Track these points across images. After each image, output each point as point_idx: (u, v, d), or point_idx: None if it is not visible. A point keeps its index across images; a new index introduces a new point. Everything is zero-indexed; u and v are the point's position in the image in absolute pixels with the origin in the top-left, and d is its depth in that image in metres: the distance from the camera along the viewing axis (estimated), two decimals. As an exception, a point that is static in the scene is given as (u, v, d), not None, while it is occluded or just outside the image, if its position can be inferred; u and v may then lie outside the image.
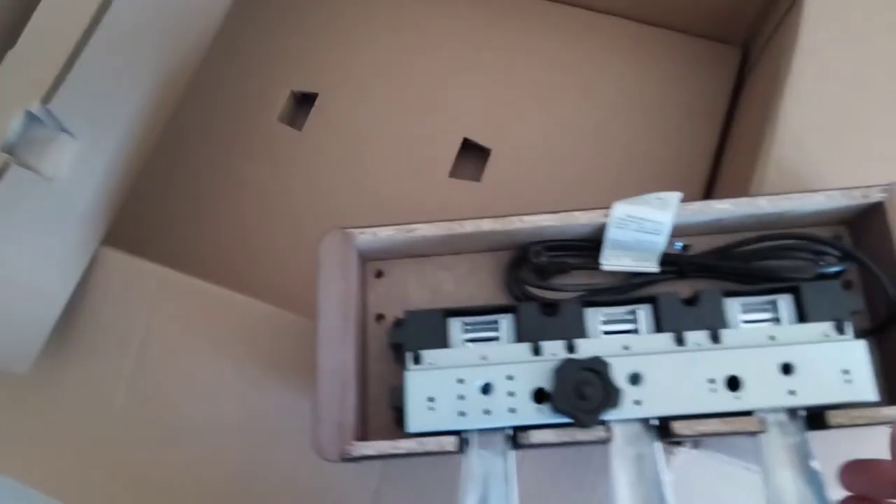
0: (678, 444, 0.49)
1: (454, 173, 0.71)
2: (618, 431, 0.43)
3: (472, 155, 0.72)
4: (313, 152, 0.72)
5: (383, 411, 0.47)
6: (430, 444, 0.42)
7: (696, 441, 0.49)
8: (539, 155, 0.71)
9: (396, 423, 0.45)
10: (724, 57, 0.73)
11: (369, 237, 0.46)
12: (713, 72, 0.73)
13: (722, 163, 0.69)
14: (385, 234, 0.46)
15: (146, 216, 0.70)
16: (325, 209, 0.70)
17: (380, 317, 0.50)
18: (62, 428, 0.55)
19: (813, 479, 0.40)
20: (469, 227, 0.46)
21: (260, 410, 0.52)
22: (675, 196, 0.45)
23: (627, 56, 0.74)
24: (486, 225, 0.46)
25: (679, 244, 0.47)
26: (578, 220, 0.46)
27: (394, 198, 0.70)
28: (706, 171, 0.69)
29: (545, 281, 0.48)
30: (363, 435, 0.46)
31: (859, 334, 0.45)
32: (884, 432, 0.42)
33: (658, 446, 0.42)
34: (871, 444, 0.41)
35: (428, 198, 0.70)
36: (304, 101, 0.75)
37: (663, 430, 0.42)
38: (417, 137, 0.72)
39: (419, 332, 0.45)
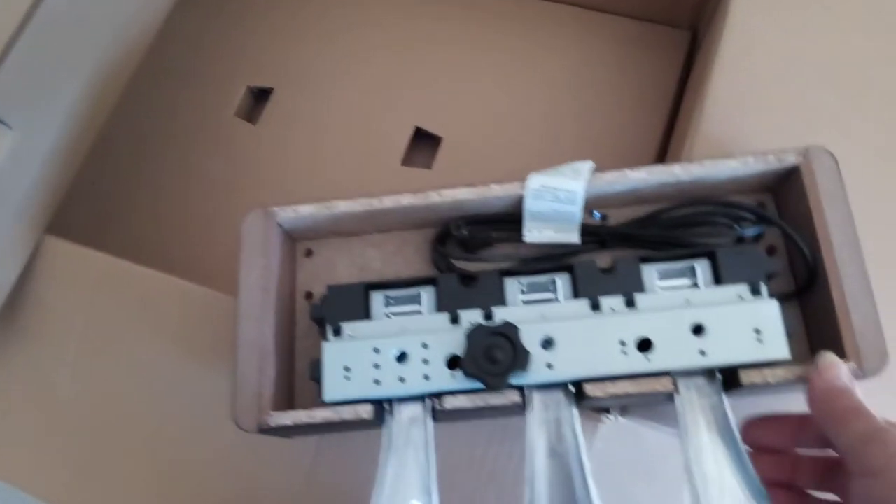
0: (605, 412, 0.49)
1: (407, 161, 0.72)
2: (534, 397, 0.43)
3: (424, 143, 0.73)
4: (268, 145, 0.73)
5: (310, 387, 0.48)
6: (346, 412, 0.42)
7: (623, 409, 0.49)
8: (490, 141, 0.72)
9: (319, 398, 0.46)
10: (674, 40, 0.74)
11: (291, 214, 0.47)
12: (663, 55, 0.73)
13: (670, 144, 0.70)
14: (306, 211, 0.47)
15: (102, 209, 0.71)
16: (280, 201, 0.71)
17: (309, 294, 0.50)
18: (10, 415, 0.56)
19: (730, 441, 0.40)
20: (388, 202, 0.46)
21: (201, 393, 0.53)
22: (588, 165, 0.45)
23: (577, 42, 0.74)
24: (405, 200, 0.46)
25: (598, 214, 0.47)
26: (495, 193, 0.46)
27: (347, 187, 0.71)
28: (656, 154, 0.70)
29: (470, 254, 0.49)
30: (288, 409, 0.46)
31: (782, 298, 0.46)
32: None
33: (575, 412, 0.43)
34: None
35: (381, 186, 0.70)
36: (260, 97, 0.76)
37: (579, 395, 0.43)
38: (370, 128, 0.73)
39: (341, 306, 0.45)
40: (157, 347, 0.55)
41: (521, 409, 0.44)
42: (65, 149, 0.55)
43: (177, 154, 0.73)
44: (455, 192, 0.46)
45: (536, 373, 0.42)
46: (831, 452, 0.39)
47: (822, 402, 0.38)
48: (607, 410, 0.49)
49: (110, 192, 0.72)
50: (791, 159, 0.45)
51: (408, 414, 0.44)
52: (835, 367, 0.39)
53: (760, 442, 0.42)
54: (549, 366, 0.42)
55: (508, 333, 0.42)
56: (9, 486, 0.56)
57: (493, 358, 0.41)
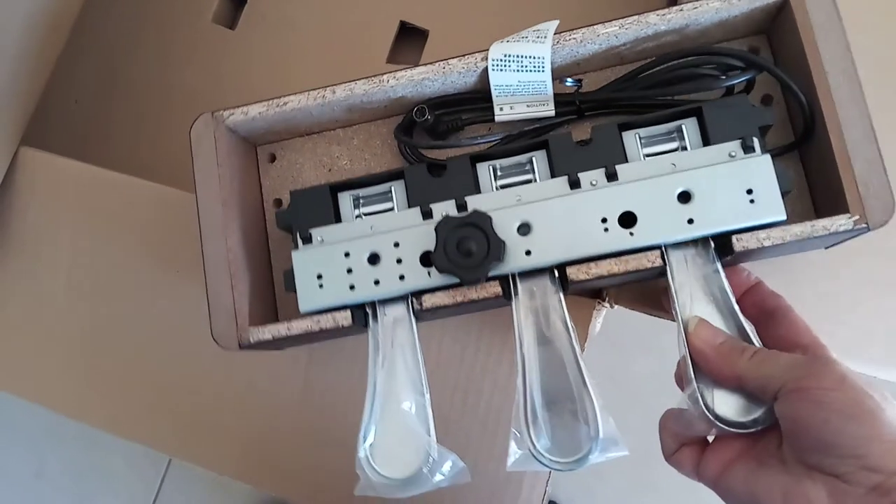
0: (600, 299, 0.48)
1: (392, 59, 0.67)
2: (518, 286, 0.41)
3: (410, 38, 0.67)
4: (248, 51, 0.68)
5: (293, 298, 0.46)
6: (325, 321, 0.41)
7: (615, 298, 0.47)
8: (478, 33, 0.65)
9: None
10: None
11: (240, 116, 0.44)
12: None
13: None
14: (257, 112, 0.43)
15: (80, 122, 0.68)
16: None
17: (278, 202, 0.48)
18: (9, 327, 0.57)
19: (729, 313, 0.38)
20: (342, 91, 0.43)
21: (193, 297, 0.52)
22: (552, 25, 0.41)
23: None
24: (359, 87, 0.43)
25: (571, 80, 0.43)
26: (456, 69, 0.42)
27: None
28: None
29: (438, 141, 0.45)
30: (270, 323, 0.45)
31: (780, 151, 0.42)
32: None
33: (562, 297, 0.41)
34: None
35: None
36: (238, 1, 0.71)
37: (564, 280, 0.40)
38: (352, 25, 0.68)
39: (308, 210, 0.43)
40: (145, 253, 0.54)
41: (505, 300, 0.42)
42: (32, 53, 0.52)
43: (153, 63, 0.69)
44: (412, 72, 0.42)
45: (515, 261, 0.40)
46: None
47: (720, 362, 0.36)
48: (601, 295, 0.47)
49: (88, 105, 0.69)
50: (783, -8, 0.40)
51: (391, 315, 0.42)
52: (702, 328, 0.37)
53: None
54: (528, 252, 0.40)
55: (479, 223, 0.39)
56: (11, 396, 0.57)
57: (467, 250, 0.39)
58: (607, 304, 0.47)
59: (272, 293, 0.47)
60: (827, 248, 0.43)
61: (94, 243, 0.55)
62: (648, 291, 0.47)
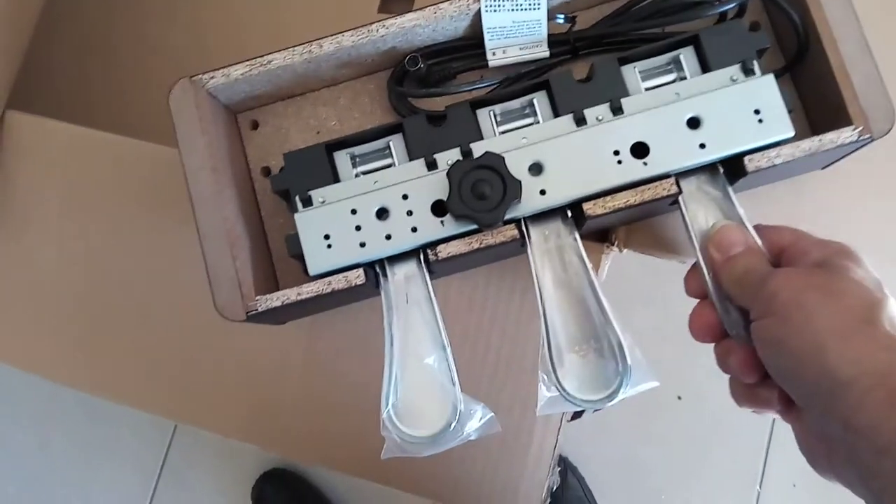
0: (608, 243, 0.47)
1: (384, 8, 0.64)
2: (531, 229, 0.40)
3: None
4: (231, 6, 0.64)
5: (292, 267, 0.44)
6: (337, 282, 0.39)
7: (624, 242, 0.47)
8: None
9: (306, 274, 0.42)
10: None
11: (221, 80, 0.41)
12: None
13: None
14: (239, 73, 0.41)
15: (60, 83, 0.64)
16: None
17: (266, 170, 0.46)
18: (4, 298, 0.54)
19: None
20: (329, 45, 0.41)
21: (189, 257, 0.49)
22: (546, -40, 0.40)
23: None
24: (348, 39, 0.41)
25: (562, 17, 0.42)
26: (447, 13, 0.41)
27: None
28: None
29: (432, 88, 0.44)
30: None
31: (774, 73, 0.42)
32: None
33: (577, 237, 0.40)
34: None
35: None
36: None
37: (578, 219, 0.40)
38: None
39: (304, 173, 0.41)
40: (138, 215, 0.52)
41: (520, 245, 0.41)
42: (12, 12, 0.49)
43: (136, 22, 0.65)
44: (402, 19, 0.41)
45: (530, 202, 0.39)
46: None
47: (722, 274, 0.36)
48: (609, 239, 0.47)
49: (71, 66, 0.65)
50: (768, -85, 0.40)
51: (402, 273, 0.41)
52: (726, 232, 0.37)
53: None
54: (542, 192, 0.39)
55: (493, 164, 0.38)
56: (11, 368, 0.54)
57: (482, 194, 0.38)
58: (616, 248, 0.47)
59: (270, 265, 0.45)
60: (823, 167, 0.44)
61: (85, 207, 0.52)
62: (657, 234, 0.47)
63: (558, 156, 0.39)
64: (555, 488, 0.53)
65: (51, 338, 0.53)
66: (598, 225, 0.41)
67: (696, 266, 0.38)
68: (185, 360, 0.51)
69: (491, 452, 0.50)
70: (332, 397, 0.49)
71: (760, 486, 0.98)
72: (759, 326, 0.33)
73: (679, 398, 0.99)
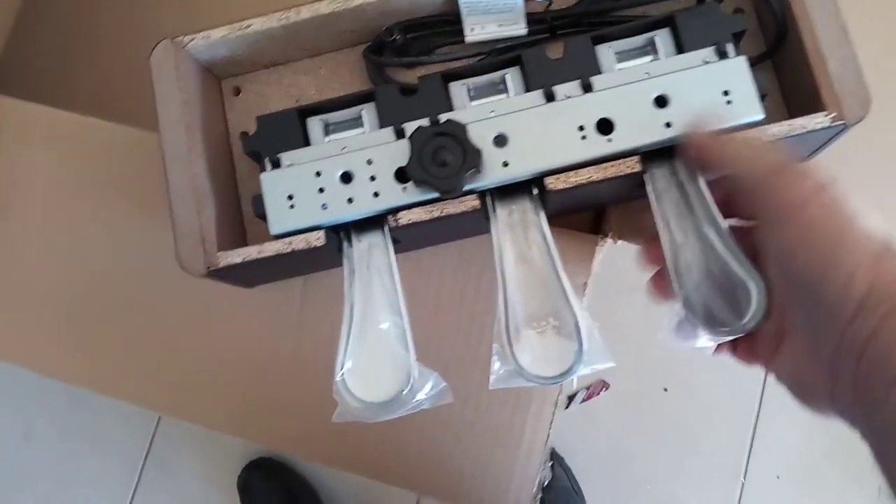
0: (604, 237, 0.47)
1: None
2: (496, 201, 0.40)
3: None
4: None
5: (262, 230, 0.44)
6: (298, 242, 0.40)
7: (618, 233, 0.46)
8: None
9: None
10: None
11: (202, 42, 0.42)
12: None
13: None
14: (218, 36, 0.42)
15: (44, 67, 0.65)
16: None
17: (245, 134, 0.46)
18: None
19: (708, 217, 0.37)
20: (306, 12, 0.42)
21: (171, 248, 0.50)
22: (522, -67, 0.40)
23: None
24: (325, 7, 0.41)
25: (542, -5, 0.42)
26: (425, -16, 0.41)
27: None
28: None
29: (409, 59, 0.44)
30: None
31: (754, 62, 0.42)
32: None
33: (542, 214, 0.40)
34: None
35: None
36: None
37: (544, 197, 0.40)
38: None
39: (276, 136, 0.42)
40: (123, 201, 0.51)
41: (484, 219, 0.41)
42: None
43: (120, 4, 0.66)
44: (381, -10, 0.41)
45: (492, 173, 0.39)
46: None
47: (711, 150, 0.34)
48: (603, 231, 0.46)
49: (55, 49, 0.66)
50: None
51: (367, 241, 0.41)
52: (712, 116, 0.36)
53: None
54: (505, 164, 0.39)
55: (454, 132, 0.38)
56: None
57: (442, 161, 0.38)
58: (610, 239, 0.47)
59: (241, 228, 0.45)
60: (807, 157, 0.43)
61: (70, 194, 0.52)
62: (651, 225, 0.46)
63: (523, 129, 0.39)
64: (546, 483, 0.52)
65: (33, 327, 0.53)
66: (563, 203, 0.41)
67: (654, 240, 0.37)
68: (171, 351, 0.51)
69: (483, 446, 0.49)
70: (321, 391, 0.49)
71: (744, 478, 0.98)
72: (779, 236, 0.30)
73: (665, 390, 0.99)
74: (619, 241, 0.48)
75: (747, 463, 0.98)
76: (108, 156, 0.52)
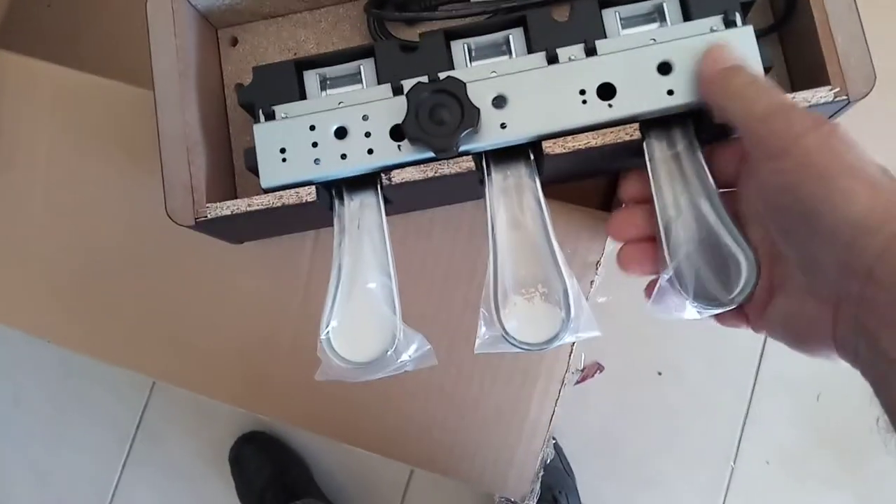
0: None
1: None
2: (491, 164, 0.39)
3: None
4: None
5: (254, 185, 0.44)
6: (288, 197, 0.39)
7: None
8: None
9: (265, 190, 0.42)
10: None
11: (199, -13, 0.41)
12: None
13: None
14: (215, -19, 0.41)
15: (54, 24, 0.64)
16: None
17: (240, 86, 0.45)
18: None
19: (705, 189, 0.37)
20: (308, -40, 0.41)
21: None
22: None
23: None
24: (328, -44, 0.40)
25: (550, -45, 0.41)
26: (430, -62, 0.40)
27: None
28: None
29: (410, 13, 0.43)
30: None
31: (759, 33, 0.41)
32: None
33: (538, 180, 0.39)
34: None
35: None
36: None
37: (540, 163, 0.39)
38: None
39: (271, 88, 0.41)
40: (128, 163, 0.50)
41: (479, 182, 0.40)
42: None
43: None
44: (385, -57, 0.40)
45: (490, 135, 0.38)
46: None
47: (716, 84, 0.34)
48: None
49: (64, 13, 0.65)
50: None
51: (358, 200, 0.40)
52: (723, 48, 0.35)
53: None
54: (503, 125, 0.38)
55: (453, 90, 0.37)
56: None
57: (439, 119, 0.37)
58: None
59: (232, 180, 0.45)
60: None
61: (73, 154, 0.51)
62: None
63: (523, 90, 0.38)
64: (549, 461, 0.52)
65: (34, 290, 0.52)
66: (559, 169, 0.40)
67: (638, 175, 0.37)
68: (174, 315, 0.50)
69: (487, 421, 0.49)
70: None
71: (734, 463, 0.98)
72: (772, 169, 0.30)
73: (659, 373, 0.99)
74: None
75: (738, 447, 0.98)
76: (113, 115, 0.51)
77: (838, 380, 0.92)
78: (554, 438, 0.97)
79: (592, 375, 0.99)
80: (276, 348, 0.49)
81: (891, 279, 0.26)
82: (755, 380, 0.97)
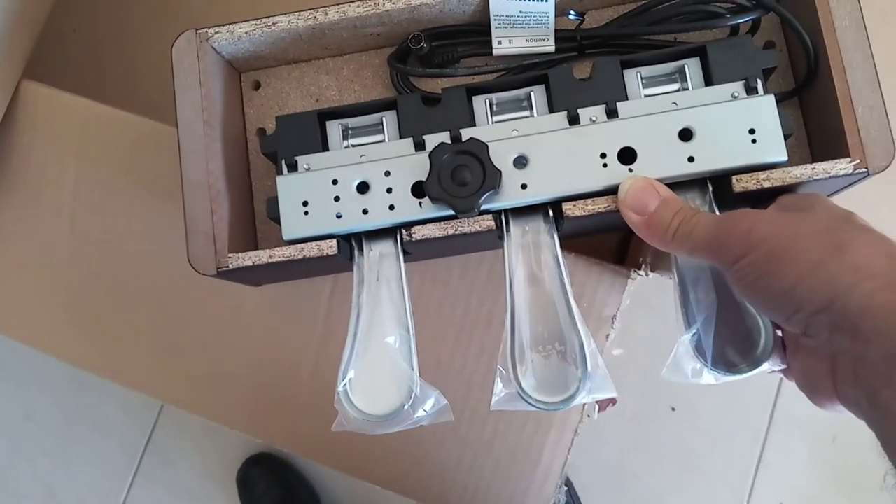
0: (637, 269, 0.46)
1: None
2: (510, 222, 0.40)
3: None
4: None
5: (274, 232, 0.44)
6: (309, 249, 0.39)
7: (651, 265, 0.46)
8: None
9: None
10: None
11: (226, 36, 0.41)
12: None
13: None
14: (243, 31, 0.41)
15: (81, 57, 0.65)
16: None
17: (262, 131, 0.46)
18: (13, 270, 0.54)
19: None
20: (334, 14, 0.41)
21: None
22: (559, -48, 0.39)
23: None
24: (353, 10, 0.41)
25: (574, 13, 0.42)
26: (456, -5, 0.41)
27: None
28: None
29: (433, 69, 0.44)
30: (250, 253, 0.43)
31: (781, 98, 0.41)
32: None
33: (556, 237, 0.40)
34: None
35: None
36: None
37: (559, 219, 0.39)
38: None
39: (294, 137, 0.41)
40: (151, 195, 0.52)
41: (497, 237, 0.40)
42: None
43: None
44: (410, -2, 0.41)
45: (510, 194, 0.38)
46: None
47: (656, 238, 0.35)
48: (637, 263, 0.46)
49: (89, 40, 0.66)
50: (793, -69, 0.39)
51: (378, 250, 0.41)
52: (632, 192, 0.36)
53: None
54: (524, 186, 0.38)
55: (476, 151, 0.38)
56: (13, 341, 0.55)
57: (461, 180, 0.37)
58: (643, 273, 0.46)
59: (252, 226, 0.45)
60: (829, 196, 0.43)
61: (100, 186, 0.52)
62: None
63: (545, 151, 0.38)
64: None
65: (58, 314, 0.53)
66: (578, 227, 0.41)
67: None
68: (190, 346, 0.51)
69: (500, 464, 0.50)
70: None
71: (748, 502, 0.98)
72: (741, 268, 0.31)
73: (673, 409, 0.99)
74: (652, 275, 0.48)
75: (752, 488, 0.97)
76: (142, 151, 0.52)
77: (855, 422, 0.91)
78: (566, 473, 0.97)
79: (604, 409, 0.99)
80: (293, 381, 0.50)
81: (876, 337, 0.27)
82: (770, 419, 0.96)
